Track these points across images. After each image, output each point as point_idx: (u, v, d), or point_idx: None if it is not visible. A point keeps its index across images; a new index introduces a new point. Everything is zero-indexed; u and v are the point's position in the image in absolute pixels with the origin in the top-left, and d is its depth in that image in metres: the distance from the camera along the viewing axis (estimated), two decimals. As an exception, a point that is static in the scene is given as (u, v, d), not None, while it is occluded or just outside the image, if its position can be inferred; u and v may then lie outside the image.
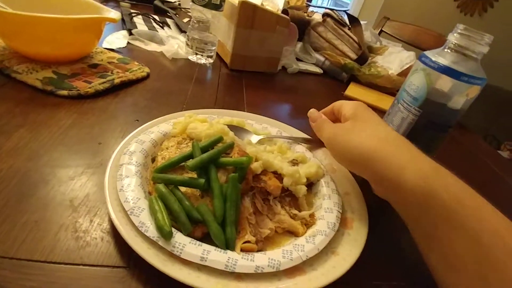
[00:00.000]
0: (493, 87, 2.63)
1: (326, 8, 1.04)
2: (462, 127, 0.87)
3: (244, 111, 0.64)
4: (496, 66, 2.51)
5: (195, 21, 0.79)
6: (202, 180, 0.35)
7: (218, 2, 0.75)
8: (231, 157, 0.39)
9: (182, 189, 0.36)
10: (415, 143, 0.47)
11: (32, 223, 0.33)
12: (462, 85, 0.41)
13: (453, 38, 0.42)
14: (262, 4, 0.81)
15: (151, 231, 0.31)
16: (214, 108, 0.59)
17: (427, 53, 0.45)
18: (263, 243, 0.35)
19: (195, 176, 0.37)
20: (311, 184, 0.46)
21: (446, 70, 0.41)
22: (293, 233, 0.38)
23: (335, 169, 0.51)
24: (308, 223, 0.39)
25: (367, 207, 0.44)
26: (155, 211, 0.32)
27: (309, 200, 0.44)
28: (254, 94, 0.75)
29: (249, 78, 0.83)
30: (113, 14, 0.65)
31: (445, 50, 0.43)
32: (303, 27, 0.99)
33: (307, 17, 1.01)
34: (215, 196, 0.34)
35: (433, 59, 0.43)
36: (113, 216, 0.32)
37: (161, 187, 0.34)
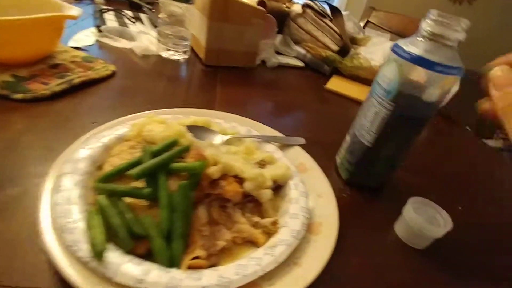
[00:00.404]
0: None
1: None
2: (449, 119, 0.84)
3: (215, 109, 0.61)
4: (488, 55, 2.49)
5: (165, 15, 0.75)
6: (147, 190, 0.31)
7: (188, -5, 0.72)
8: (186, 161, 0.36)
9: (128, 200, 0.32)
10: (390, 139, 0.45)
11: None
12: (436, 76, 0.38)
13: (426, 25, 0.39)
14: (236, -5, 0.77)
15: (84, 251, 0.28)
16: (182, 107, 0.56)
17: (399, 42, 0.42)
18: (217, 257, 0.32)
19: (142, 185, 0.33)
20: (280, 187, 0.43)
21: (418, 60, 0.38)
22: (253, 243, 0.35)
23: (307, 168, 0.48)
24: (270, 231, 0.36)
25: (339, 210, 0.41)
26: (91, 227, 0.29)
27: (276, 205, 0.41)
28: (229, 90, 0.72)
29: (225, 74, 0.79)
30: (74, 11, 0.61)
31: (418, 38, 0.40)
32: (282, 19, 0.95)
33: (286, 9, 0.97)
34: (161, 207, 0.31)
35: (406, 48, 0.39)
36: (43, 235, 0.29)
37: (102, 199, 0.31)
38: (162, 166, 0.33)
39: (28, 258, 0.30)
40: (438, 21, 0.38)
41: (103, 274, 0.26)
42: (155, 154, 0.35)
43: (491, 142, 2.61)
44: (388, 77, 0.42)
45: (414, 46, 0.39)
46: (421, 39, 0.40)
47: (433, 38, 0.39)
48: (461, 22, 0.38)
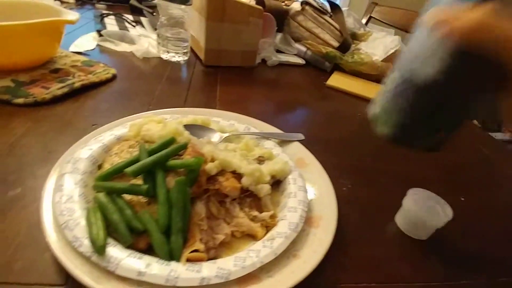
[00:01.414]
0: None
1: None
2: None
3: (215, 108, 0.62)
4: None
5: (164, 18, 0.76)
6: (145, 186, 0.32)
7: (184, -4, 0.72)
8: (183, 158, 0.37)
9: (128, 197, 0.33)
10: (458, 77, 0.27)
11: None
12: None
13: None
14: (233, -5, 0.77)
15: (85, 246, 0.28)
16: (183, 108, 0.56)
17: None
18: (216, 250, 0.32)
19: (141, 182, 0.34)
20: (279, 182, 0.44)
21: None
22: (253, 237, 0.35)
23: (306, 163, 0.48)
24: (269, 225, 0.36)
25: (339, 203, 0.41)
26: (90, 224, 0.29)
27: (276, 199, 0.41)
28: (229, 90, 0.72)
29: (225, 74, 0.80)
30: (71, 15, 0.62)
31: None
32: (281, 17, 0.96)
33: (284, 7, 0.97)
34: (159, 203, 0.31)
35: None
36: (46, 231, 0.30)
37: (101, 196, 0.32)
38: (159, 163, 0.34)
39: (30, 255, 0.31)
40: None
41: (105, 267, 0.27)
42: (152, 152, 0.36)
43: (499, 135, 2.58)
44: None
45: None
46: None
47: None
48: None
